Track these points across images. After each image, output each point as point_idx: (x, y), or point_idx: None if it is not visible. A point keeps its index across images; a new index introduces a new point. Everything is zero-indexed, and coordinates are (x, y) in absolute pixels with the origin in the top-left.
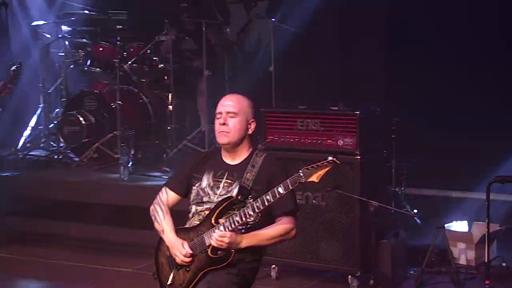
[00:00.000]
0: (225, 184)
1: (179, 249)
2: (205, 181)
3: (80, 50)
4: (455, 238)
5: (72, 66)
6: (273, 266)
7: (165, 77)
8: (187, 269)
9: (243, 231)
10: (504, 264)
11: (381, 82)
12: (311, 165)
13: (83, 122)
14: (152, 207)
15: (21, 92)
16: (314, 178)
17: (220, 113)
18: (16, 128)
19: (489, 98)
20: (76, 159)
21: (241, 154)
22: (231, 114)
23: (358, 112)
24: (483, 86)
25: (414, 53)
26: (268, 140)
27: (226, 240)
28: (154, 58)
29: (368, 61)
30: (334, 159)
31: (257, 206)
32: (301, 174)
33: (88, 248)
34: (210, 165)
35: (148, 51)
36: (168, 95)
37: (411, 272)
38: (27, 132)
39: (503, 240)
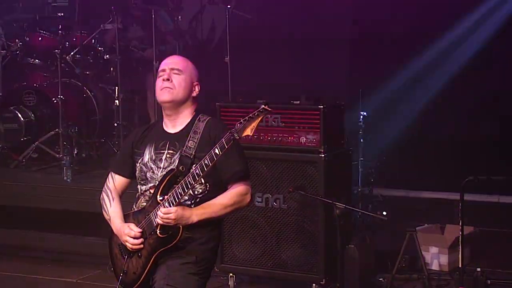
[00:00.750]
0: (168, 156)
1: (127, 232)
2: (147, 155)
3: (16, 40)
4: (427, 241)
5: (7, 58)
6: (231, 274)
7: (111, 69)
8: (139, 254)
9: (192, 206)
10: (478, 269)
11: (345, 74)
12: (244, 118)
13: (22, 119)
14: (101, 196)
15: None
16: (248, 131)
17: (164, 70)
18: None
19: (464, 89)
20: (15, 159)
21: (183, 119)
22: (175, 71)
23: (322, 107)
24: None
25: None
26: (231, 128)
27: (172, 216)
28: (99, 48)
29: (331, 51)
30: (265, 106)
31: (197, 173)
32: (235, 129)
33: (28, 257)
34: (150, 137)
35: (93, 40)
36: (115, 89)
37: (380, 279)
38: None
39: (477, 243)
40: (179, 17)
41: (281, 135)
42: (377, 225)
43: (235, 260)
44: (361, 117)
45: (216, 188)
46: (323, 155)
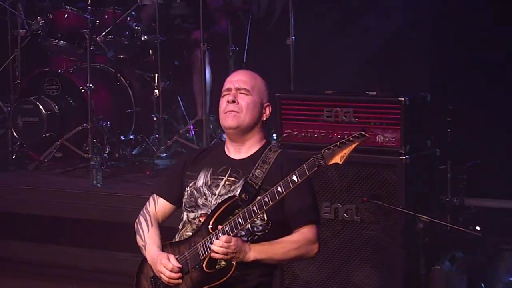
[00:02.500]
0: (227, 183)
1: (163, 263)
2: (202, 179)
3: (38, 18)
4: None
5: (27, 39)
6: None
7: (150, 53)
8: None
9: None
10: None
11: (428, 63)
12: (334, 144)
13: (43, 111)
14: (136, 221)
15: None
16: (338, 159)
17: (229, 89)
18: None
19: None
20: (35, 159)
21: (251, 146)
22: (243, 91)
23: (403, 99)
24: None
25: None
26: (285, 135)
27: (232, 247)
28: (136, 27)
29: (413, 38)
30: (363, 132)
31: (265, 202)
32: (321, 155)
33: (48, 275)
34: (209, 160)
35: (128, 18)
36: (154, 76)
37: None
38: None
39: None
40: None
41: (354, 132)
42: (469, 242)
43: (297, 282)
44: (450, 110)
45: (278, 228)
46: (404, 157)
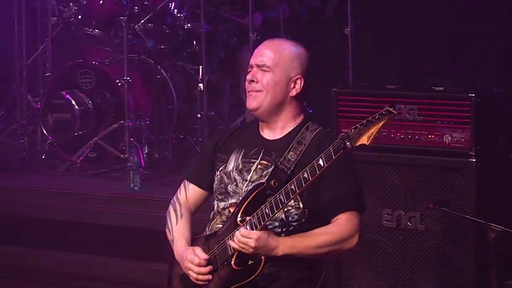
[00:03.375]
0: (259, 167)
1: (190, 259)
2: (232, 163)
3: (71, 4)
4: None
5: (59, 27)
6: None
7: (194, 43)
8: None
9: (282, 235)
10: None
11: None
12: (360, 122)
13: (76, 107)
14: (167, 210)
15: None
16: (364, 139)
17: (251, 66)
18: None
19: None
20: (66, 160)
21: (284, 125)
22: (263, 67)
23: (473, 95)
24: None
25: None
26: (342, 134)
27: (251, 242)
28: (178, 15)
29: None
30: (390, 109)
31: (291, 189)
32: (347, 136)
33: (79, 287)
34: (241, 141)
35: (170, 4)
36: (198, 68)
37: None
38: None
39: None
40: None
41: (419, 132)
42: None
43: None
44: None
45: (315, 218)
46: (474, 160)
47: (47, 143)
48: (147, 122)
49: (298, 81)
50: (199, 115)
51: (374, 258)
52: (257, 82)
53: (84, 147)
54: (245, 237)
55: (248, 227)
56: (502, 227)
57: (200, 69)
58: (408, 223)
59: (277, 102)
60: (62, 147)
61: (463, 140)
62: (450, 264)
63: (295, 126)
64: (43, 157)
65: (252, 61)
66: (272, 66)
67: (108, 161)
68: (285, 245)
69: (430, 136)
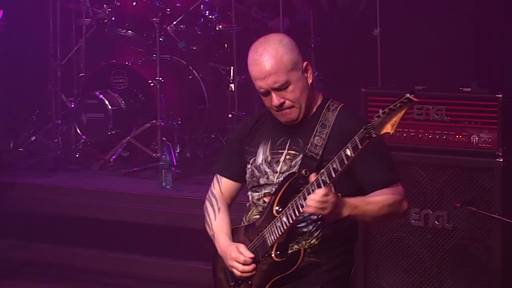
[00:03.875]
0: (287, 157)
1: (234, 257)
2: (261, 156)
3: (104, 5)
4: None
5: (92, 28)
6: None
7: (225, 44)
8: (249, 282)
9: (319, 222)
10: None
11: None
12: (383, 111)
13: (109, 106)
14: (204, 206)
15: (21, 63)
16: (388, 127)
17: (266, 93)
18: (15, 114)
19: None
20: (99, 158)
21: (308, 110)
22: (280, 87)
23: (500, 96)
24: None
25: None
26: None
27: (331, 198)
28: (210, 16)
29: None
30: (411, 96)
31: (323, 180)
32: (371, 125)
33: (116, 285)
34: (266, 131)
35: (201, 6)
36: (230, 69)
37: None
38: (30, 121)
39: None
40: None
41: (446, 132)
42: None
43: None
44: None
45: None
46: (501, 160)
47: (80, 142)
48: (179, 122)
49: (307, 67)
50: (230, 115)
51: (402, 256)
52: (285, 102)
53: (117, 146)
54: (325, 196)
55: (284, 218)
56: None
57: (231, 70)
58: (436, 222)
59: (308, 98)
60: (95, 146)
61: (490, 140)
62: (477, 263)
63: (316, 107)
64: (77, 156)
65: (262, 85)
66: (287, 78)
67: (140, 160)
68: (350, 204)
69: (457, 136)
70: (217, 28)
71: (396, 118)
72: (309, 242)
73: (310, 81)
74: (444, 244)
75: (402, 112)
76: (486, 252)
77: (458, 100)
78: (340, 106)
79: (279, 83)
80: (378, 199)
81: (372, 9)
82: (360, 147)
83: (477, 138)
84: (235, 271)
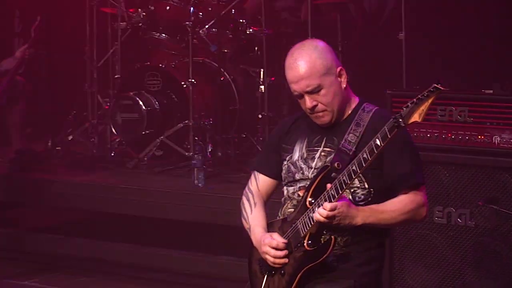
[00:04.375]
0: (323, 154)
1: (267, 242)
2: (297, 153)
3: (139, 9)
4: None
5: (127, 32)
6: None
7: (255, 47)
8: (282, 272)
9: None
10: None
11: None
12: (411, 101)
13: (143, 107)
14: (240, 202)
15: (59, 66)
16: (416, 117)
17: (300, 96)
18: (53, 114)
19: None
20: (134, 157)
21: (344, 111)
22: (313, 90)
23: None
24: None
25: None
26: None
27: (336, 212)
28: (241, 20)
29: None
30: (438, 85)
31: (353, 170)
32: (400, 115)
33: (146, 279)
34: (303, 130)
35: (233, 10)
36: (260, 72)
37: None
38: (67, 121)
39: None
40: None
41: (469, 133)
42: None
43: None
44: None
45: (381, 196)
46: None
47: (116, 141)
48: (211, 122)
49: (341, 72)
50: (260, 116)
51: (426, 252)
52: (318, 105)
53: (151, 145)
54: (329, 210)
55: (316, 208)
56: None
57: (261, 72)
58: (458, 219)
59: (340, 102)
60: (130, 145)
61: (511, 140)
62: (498, 259)
63: (351, 110)
64: (112, 154)
65: (296, 88)
66: (319, 82)
67: (173, 159)
68: (364, 213)
69: (479, 137)
70: (247, 32)
71: (423, 107)
72: (340, 235)
73: (344, 85)
74: (466, 241)
75: (429, 101)
76: (507, 249)
77: (481, 101)
78: (375, 108)
79: (312, 86)
80: (394, 208)
81: (397, 14)
82: (389, 136)
83: (498, 139)
84: (267, 256)
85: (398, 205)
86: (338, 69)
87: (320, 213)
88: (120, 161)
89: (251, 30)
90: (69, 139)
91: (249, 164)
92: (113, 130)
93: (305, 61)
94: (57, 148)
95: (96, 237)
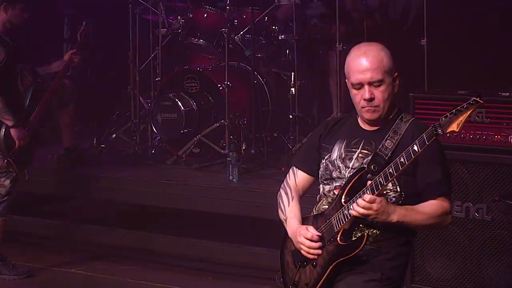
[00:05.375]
0: (360, 155)
1: (303, 233)
2: (336, 152)
3: (179, 17)
4: None
5: (168, 37)
6: None
7: (287, 52)
8: (314, 263)
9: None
10: None
11: None
12: (450, 112)
13: (182, 108)
14: (278, 194)
15: (104, 69)
16: (454, 126)
17: (361, 84)
18: (98, 114)
19: None
20: (173, 154)
21: (389, 114)
22: (376, 83)
23: None
24: None
25: None
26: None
27: (375, 206)
28: (273, 27)
29: None
30: (477, 98)
31: (390, 173)
32: (439, 124)
33: (185, 267)
34: (343, 132)
35: (266, 18)
36: (291, 75)
37: None
38: (111, 120)
39: None
40: None
41: (486, 132)
42: None
43: (428, 279)
44: None
45: (411, 200)
46: None
47: (156, 140)
48: (245, 122)
49: (396, 77)
50: (290, 116)
51: (445, 244)
52: (374, 98)
53: (189, 143)
54: (368, 202)
55: (351, 207)
56: None
57: (292, 75)
58: (476, 214)
59: (390, 104)
60: (169, 143)
61: None
62: None
63: (391, 117)
64: (153, 151)
65: (360, 78)
66: (383, 77)
67: (210, 156)
68: (400, 212)
69: (496, 136)
70: (279, 38)
71: (462, 118)
72: (371, 231)
73: (396, 90)
74: (483, 234)
75: (468, 112)
76: None
77: (497, 103)
78: (412, 119)
79: (375, 78)
80: (426, 211)
81: (419, 21)
82: (427, 143)
83: None
84: (302, 247)
85: (430, 209)
86: (396, 74)
87: (360, 203)
88: (160, 158)
89: (282, 36)
90: (113, 137)
91: (281, 161)
92: (154, 129)
93: (374, 55)
94: (101, 145)
95: (138, 228)
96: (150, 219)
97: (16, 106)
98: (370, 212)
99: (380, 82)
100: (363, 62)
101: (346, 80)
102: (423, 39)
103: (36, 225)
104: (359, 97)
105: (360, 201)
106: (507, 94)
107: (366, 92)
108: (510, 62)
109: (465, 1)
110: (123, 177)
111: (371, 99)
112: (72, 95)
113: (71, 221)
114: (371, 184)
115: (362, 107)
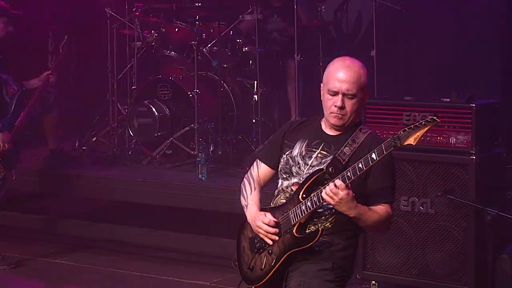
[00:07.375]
0: (319, 155)
1: (261, 218)
2: (297, 149)
3: (153, 31)
4: None
5: (142, 50)
6: (373, 282)
7: (250, 62)
8: (270, 251)
9: (327, 213)
10: None
11: (499, 72)
12: (409, 126)
13: (156, 113)
14: (242, 183)
15: (85, 79)
16: (411, 140)
17: (336, 93)
18: (80, 119)
19: None
20: (148, 155)
21: (347, 126)
22: (350, 96)
23: (474, 105)
24: None
25: None
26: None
27: (341, 195)
28: (238, 40)
29: (484, 48)
30: (434, 117)
31: (347, 176)
32: (397, 137)
33: (158, 257)
34: (306, 132)
35: (231, 32)
36: (254, 83)
37: None
38: (92, 125)
39: None
40: (323, 7)
41: (429, 135)
42: None
43: (378, 267)
44: None
45: (359, 201)
46: (474, 157)
47: (133, 142)
48: (213, 126)
49: (366, 97)
50: (254, 120)
51: (393, 235)
52: (344, 108)
53: (163, 145)
54: (337, 189)
55: (309, 203)
56: (496, 211)
57: (255, 83)
58: (421, 207)
59: (356, 116)
60: (144, 145)
61: (465, 141)
62: (455, 241)
63: (352, 127)
64: (130, 153)
65: (337, 86)
66: (357, 92)
67: (181, 156)
68: (359, 210)
69: (439, 138)
70: (243, 50)
71: (419, 133)
72: (324, 225)
73: (364, 106)
74: (427, 226)
75: (425, 129)
76: (463, 232)
77: (440, 108)
78: (370, 131)
79: (350, 92)
80: (377, 214)
81: (369, 34)
82: (385, 152)
83: (454, 139)
84: (260, 230)
85: (380, 213)
86: (367, 93)
87: (331, 187)
88: (136, 159)
89: (246, 48)
90: (93, 140)
91: (245, 161)
92: (131, 133)
93: (355, 71)
94: (83, 148)
95: (116, 222)
96: (127, 214)
97: (0, 112)
98: (334, 198)
99: (353, 96)
100: (345, 74)
101: (322, 85)
102: (373, 51)
103: (23, 220)
104: (331, 102)
105: (331, 185)
106: (448, 100)
107: (339, 100)
108: (452, 70)
109: (412, 18)
110: (102, 176)
111: (342, 108)
112: (55, 102)
113: (55, 216)
114: (339, 176)
115: (331, 112)
